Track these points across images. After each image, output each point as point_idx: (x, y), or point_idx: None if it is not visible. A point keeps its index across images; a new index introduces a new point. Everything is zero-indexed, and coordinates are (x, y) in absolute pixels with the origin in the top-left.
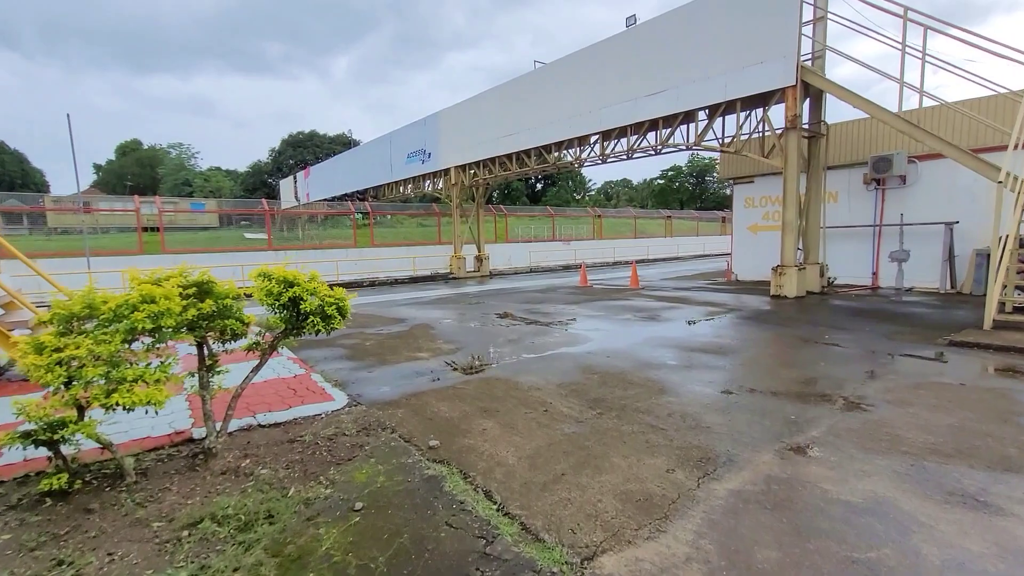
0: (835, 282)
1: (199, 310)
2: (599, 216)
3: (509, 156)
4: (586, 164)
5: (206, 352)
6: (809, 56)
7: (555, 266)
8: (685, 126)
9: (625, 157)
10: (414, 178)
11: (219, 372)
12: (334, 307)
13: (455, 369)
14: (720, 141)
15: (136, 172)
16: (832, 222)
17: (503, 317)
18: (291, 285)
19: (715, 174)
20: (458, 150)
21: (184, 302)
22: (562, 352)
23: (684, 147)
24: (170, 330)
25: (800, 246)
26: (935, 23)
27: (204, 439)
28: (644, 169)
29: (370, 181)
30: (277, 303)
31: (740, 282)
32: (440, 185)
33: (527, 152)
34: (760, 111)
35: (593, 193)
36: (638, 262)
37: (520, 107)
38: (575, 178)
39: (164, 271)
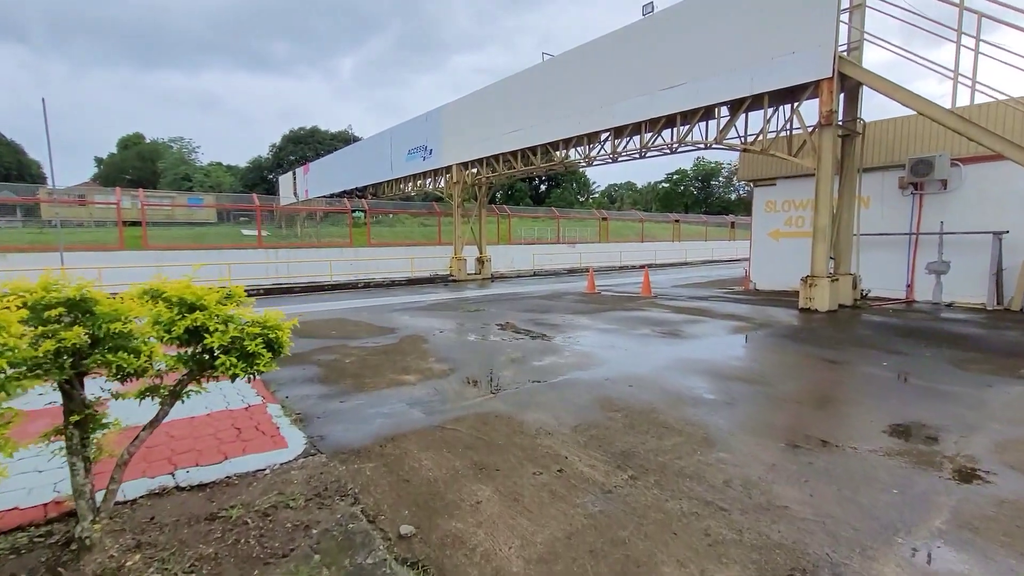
0: (868, 295)
1: (62, 342)
2: (605, 219)
3: (514, 154)
4: (595, 163)
5: (81, 398)
6: (845, 46)
7: (559, 270)
8: (704, 123)
9: (638, 156)
10: (415, 175)
11: (102, 427)
12: (260, 341)
13: (446, 401)
14: (743, 139)
15: (137, 166)
16: (863, 229)
17: (504, 328)
18: (193, 309)
19: (721, 178)
20: (461, 147)
21: (35, 331)
22: (575, 378)
23: (703, 145)
24: (3, 375)
25: (831, 255)
26: (991, 13)
27: (76, 525)
28: (648, 172)
29: (370, 178)
30: (169, 335)
31: (760, 292)
32: (441, 183)
33: (533, 149)
34: (789, 107)
35: (597, 196)
36: (640, 266)
37: (527, 102)
38: (580, 180)
39: (19, 284)
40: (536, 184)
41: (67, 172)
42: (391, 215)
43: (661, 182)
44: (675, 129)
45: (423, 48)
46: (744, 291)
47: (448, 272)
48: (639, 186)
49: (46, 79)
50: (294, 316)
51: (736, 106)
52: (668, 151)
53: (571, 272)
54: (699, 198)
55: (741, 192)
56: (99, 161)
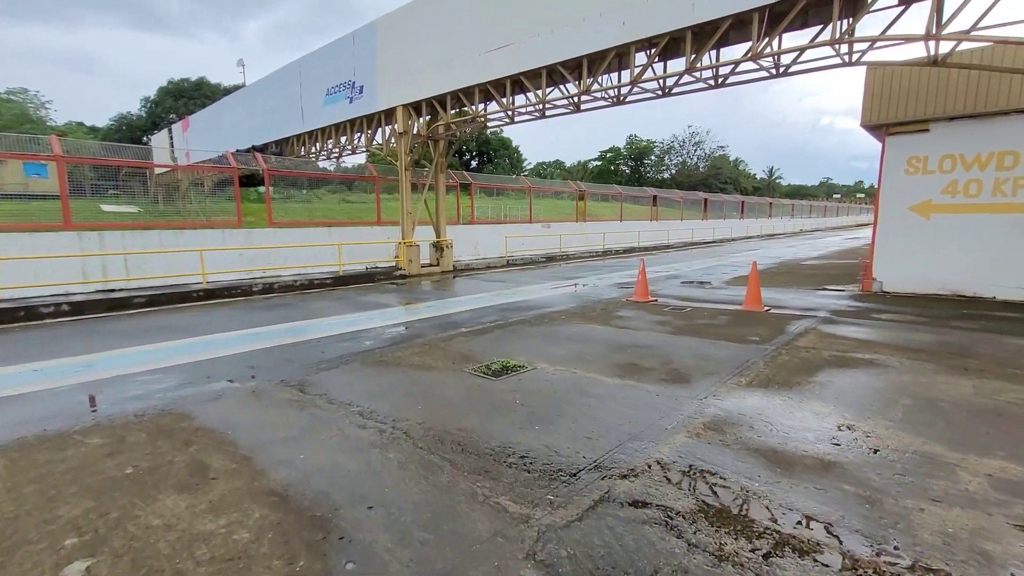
0: None
1: None
2: (583, 194)
3: (498, 85)
4: (631, 96)
5: None
6: None
7: (536, 257)
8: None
9: (713, 82)
10: (338, 126)
11: None
12: None
13: None
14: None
15: None
16: None
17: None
18: None
19: (653, 157)
20: (408, 81)
21: None
22: None
23: (835, 57)
24: None
25: None
26: None
27: None
28: (578, 150)
29: (272, 132)
30: None
31: (893, 296)
32: (378, 138)
33: (531, 75)
34: None
35: (527, 173)
36: (625, 251)
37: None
38: (513, 155)
39: None
40: (467, 159)
41: None
42: (304, 183)
43: (593, 160)
44: (758, 41)
45: (338, 12)
46: (866, 293)
47: (394, 264)
48: (568, 164)
49: None
50: None
51: None
52: (754, 71)
53: (550, 260)
54: (632, 178)
55: (673, 172)
56: None
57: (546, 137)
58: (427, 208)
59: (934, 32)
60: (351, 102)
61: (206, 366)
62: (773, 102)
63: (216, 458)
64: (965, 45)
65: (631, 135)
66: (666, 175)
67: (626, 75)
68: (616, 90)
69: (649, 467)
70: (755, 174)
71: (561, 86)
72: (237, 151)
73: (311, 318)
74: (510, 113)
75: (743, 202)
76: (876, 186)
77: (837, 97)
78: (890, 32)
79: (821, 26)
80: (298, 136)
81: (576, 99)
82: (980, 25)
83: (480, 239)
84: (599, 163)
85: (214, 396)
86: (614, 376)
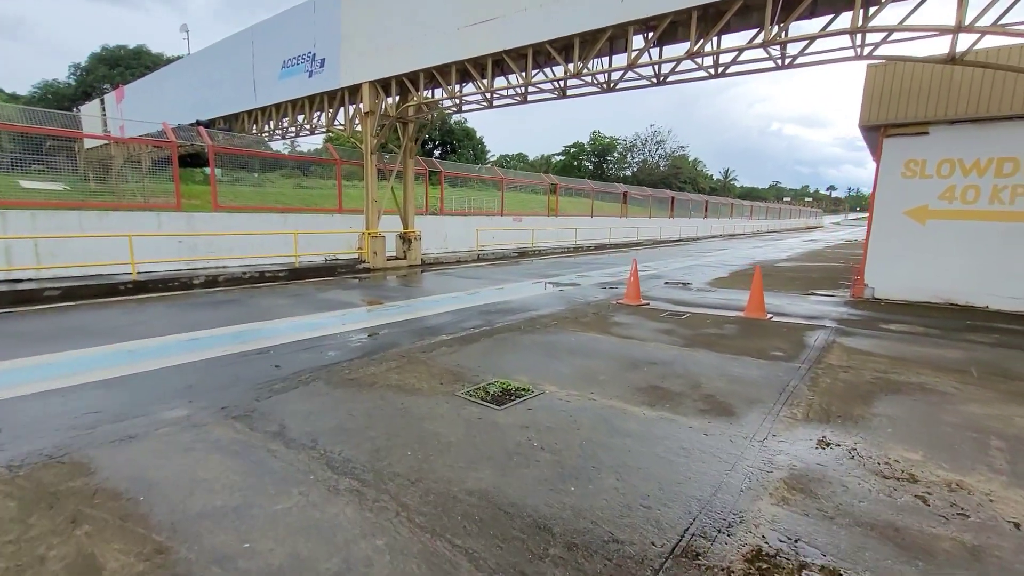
0: None
1: None
2: (555, 188)
3: (477, 64)
4: (623, 83)
5: None
6: None
7: (508, 251)
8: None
9: (713, 71)
10: (295, 102)
11: None
12: None
13: None
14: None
15: None
16: None
17: None
18: None
19: (616, 154)
20: (377, 54)
21: None
22: None
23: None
24: None
25: None
26: None
27: None
28: (537, 144)
29: (220, 107)
30: None
31: (886, 303)
32: (340, 118)
33: (515, 55)
34: None
35: (490, 165)
36: (597, 248)
37: None
38: (477, 146)
39: None
40: (430, 148)
41: None
42: (256, 165)
43: (556, 154)
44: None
45: None
46: (858, 299)
47: (357, 256)
48: (531, 158)
49: None
50: None
51: None
52: (775, 59)
53: (523, 255)
54: (594, 174)
55: (635, 169)
56: None
57: (503, 129)
58: (394, 197)
59: (965, 24)
60: (311, 76)
61: (126, 385)
62: (727, 107)
63: (114, 550)
64: (986, 42)
65: (595, 131)
66: (628, 172)
67: (617, 59)
68: (607, 75)
69: (750, 563)
70: (712, 175)
71: (546, 69)
72: (179, 126)
73: (263, 319)
74: (489, 96)
75: (707, 202)
76: (872, 189)
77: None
78: (909, 22)
79: (833, 14)
80: (249, 112)
81: (563, 83)
82: (1004, 21)
83: (449, 231)
84: (562, 157)
85: (129, 434)
86: (641, 404)
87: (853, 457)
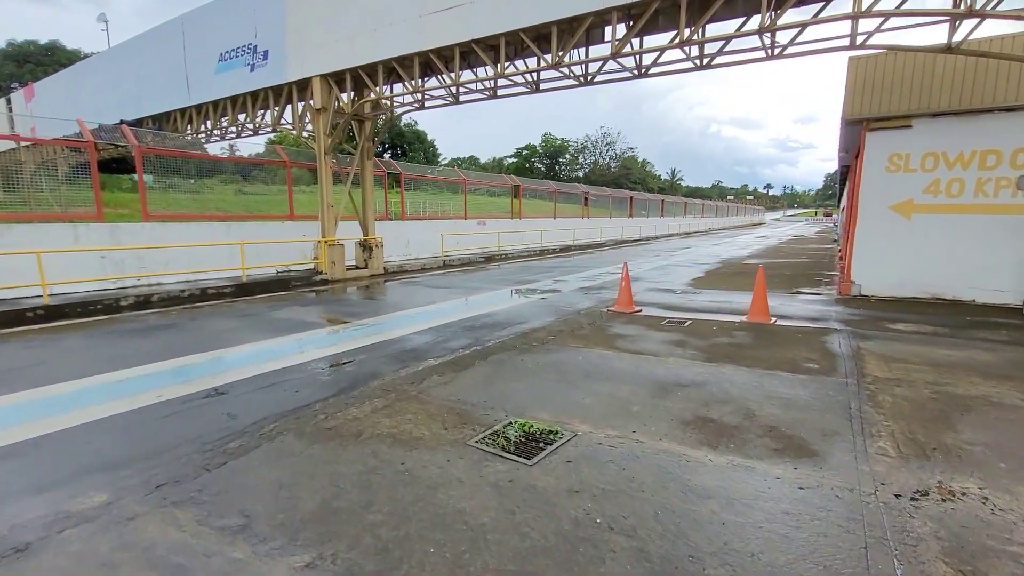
0: None
1: None
2: (517, 190)
3: (442, 55)
4: (601, 76)
5: None
6: None
7: (474, 256)
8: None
9: (699, 62)
10: (236, 99)
11: None
12: None
13: None
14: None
15: None
16: None
17: None
18: None
19: (567, 156)
20: (329, 46)
21: None
22: None
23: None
24: None
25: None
26: None
27: None
28: (491, 146)
29: (148, 105)
30: None
31: (873, 299)
32: (288, 116)
33: (486, 45)
34: None
35: (442, 168)
36: (562, 250)
37: None
38: (428, 149)
39: None
40: (380, 151)
41: None
42: (192, 170)
43: (509, 157)
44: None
45: None
46: (846, 297)
47: (313, 266)
48: (483, 160)
49: None
50: None
51: None
52: (767, 49)
53: (489, 260)
54: (547, 176)
55: (586, 170)
56: None
57: (450, 131)
58: (352, 201)
59: (976, 7)
60: (252, 70)
61: (18, 459)
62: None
63: None
64: (981, 32)
65: (546, 133)
66: (580, 174)
67: (595, 50)
68: (584, 67)
69: None
70: (660, 175)
71: (517, 61)
72: (101, 126)
73: (208, 348)
74: (455, 90)
75: (663, 201)
76: (855, 184)
77: (723, 107)
78: (906, 7)
79: (823, 3)
80: (183, 111)
81: (536, 76)
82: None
83: (412, 237)
84: (515, 160)
85: (16, 546)
86: (700, 445)
87: (994, 512)
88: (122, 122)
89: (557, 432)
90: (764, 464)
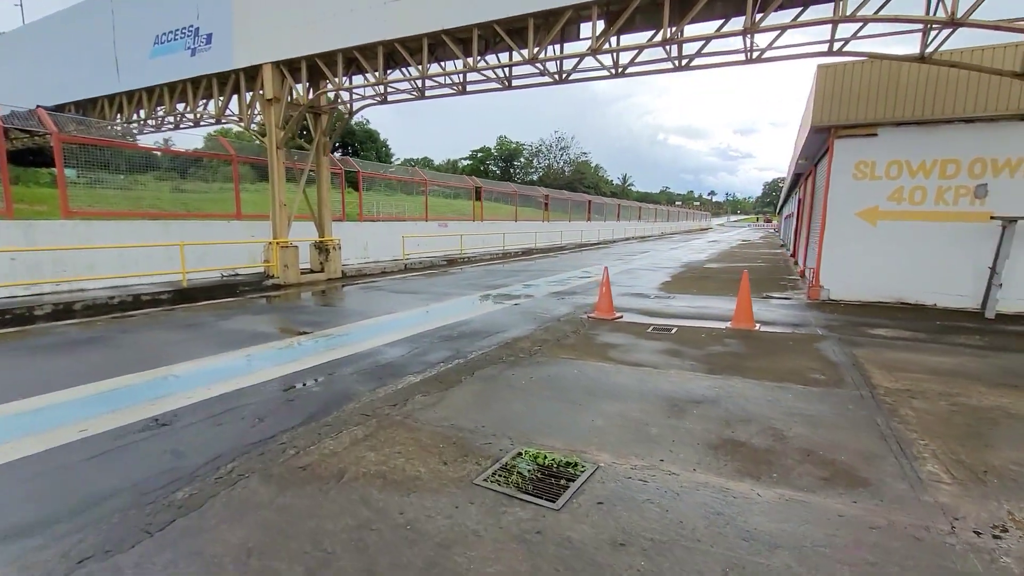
0: None
1: None
2: (479, 192)
3: (408, 45)
4: (576, 73)
5: None
6: None
7: (436, 259)
8: None
9: (678, 62)
10: (173, 86)
11: None
12: None
13: None
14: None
15: None
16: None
17: None
18: None
19: (522, 159)
20: (281, 31)
21: None
22: None
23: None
24: None
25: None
26: None
27: None
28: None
29: (71, 91)
30: None
31: (840, 304)
32: (234, 106)
33: (457, 36)
34: None
35: (400, 167)
36: (524, 253)
37: None
38: (380, 149)
39: None
40: (333, 149)
41: None
42: (123, 164)
43: (464, 159)
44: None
45: None
46: (815, 302)
47: (264, 270)
48: (436, 162)
49: None
50: None
51: None
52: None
53: (452, 263)
54: (502, 179)
55: (540, 174)
56: None
57: (400, 131)
58: (307, 200)
59: (958, 18)
60: (193, 55)
61: None
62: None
63: None
64: (951, 43)
65: (501, 136)
66: (535, 177)
67: (570, 47)
68: (559, 63)
69: None
70: (612, 180)
71: (489, 56)
72: (12, 112)
73: (144, 368)
74: (421, 84)
75: (619, 205)
76: (826, 190)
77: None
78: (884, 12)
79: (802, 7)
80: (111, 98)
81: (508, 72)
82: (972, 18)
83: (370, 239)
84: (469, 162)
85: None
86: (742, 477)
87: None
88: (38, 108)
89: (576, 464)
90: (818, 498)
